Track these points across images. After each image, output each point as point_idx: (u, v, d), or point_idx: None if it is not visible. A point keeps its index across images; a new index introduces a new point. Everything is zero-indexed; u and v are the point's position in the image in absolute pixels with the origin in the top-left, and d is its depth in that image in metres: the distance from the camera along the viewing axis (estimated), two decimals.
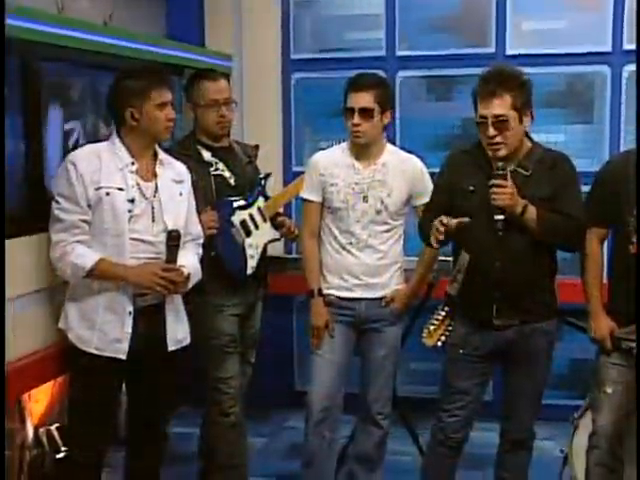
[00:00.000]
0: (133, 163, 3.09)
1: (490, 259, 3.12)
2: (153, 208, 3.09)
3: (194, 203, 3.31)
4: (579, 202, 3.17)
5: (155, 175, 3.15)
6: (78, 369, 3.14)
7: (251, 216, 3.63)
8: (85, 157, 3.04)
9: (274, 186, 3.77)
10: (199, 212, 3.44)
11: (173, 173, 3.22)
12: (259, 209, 3.67)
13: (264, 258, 3.70)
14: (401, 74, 4.79)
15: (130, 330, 3.07)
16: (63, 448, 3.54)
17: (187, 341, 3.28)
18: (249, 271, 3.61)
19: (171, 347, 3.18)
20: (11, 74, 3.12)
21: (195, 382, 3.70)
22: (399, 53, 4.79)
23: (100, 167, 3.02)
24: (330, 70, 4.79)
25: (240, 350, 3.69)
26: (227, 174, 3.60)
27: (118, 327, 3.07)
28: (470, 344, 3.26)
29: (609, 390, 3.19)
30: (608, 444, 3.20)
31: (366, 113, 3.43)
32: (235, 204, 3.60)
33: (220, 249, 3.53)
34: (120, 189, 3.03)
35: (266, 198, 3.71)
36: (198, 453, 3.93)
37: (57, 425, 3.66)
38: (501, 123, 3.03)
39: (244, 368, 3.79)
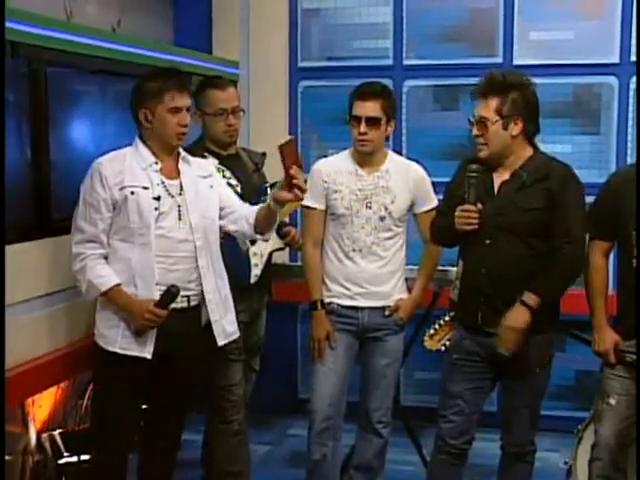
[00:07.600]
0: (157, 163, 3.08)
1: (477, 266, 3.16)
2: (179, 206, 3.07)
3: (231, 191, 3.34)
4: (578, 219, 3.12)
5: (179, 173, 3.13)
6: (102, 370, 3.11)
7: None
8: (109, 160, 3.05)
9: None
10: None
11: (199, 169, 3.21)
12: None
13: (269, 266, 3.70)
14: (408, 83, 4.79)
15: (155, 329, 3.03)
16: (66, 453, 3.55)
17: (236, 334, 3.28)
18: (253, 279, 3.61)
19: (220, 342, 3.19)
20: (19, 80, 3.13)
21: (199, 389, 3.70)
22: (406, 62, 4.78)
23: (123, 169, 3.03)
24: (337, 78, 4.78)
25: (244, 358, 3.69)
26: (234, 182, 3.59)
27: None
28: (462, 348, 3.27)
29: (612, 402, 3.18)
30: (610, 456, 3.18)
31: (373, 122, 3.42)
32: None
33: (224, 257, 3.51)
34: (145, 187, 3.02)
35: None
36: (200, 460, 3.93)
37: (60, 431, 3.66)
38: (483, 124, 3.12)
39: (248, 375, 3.79)
